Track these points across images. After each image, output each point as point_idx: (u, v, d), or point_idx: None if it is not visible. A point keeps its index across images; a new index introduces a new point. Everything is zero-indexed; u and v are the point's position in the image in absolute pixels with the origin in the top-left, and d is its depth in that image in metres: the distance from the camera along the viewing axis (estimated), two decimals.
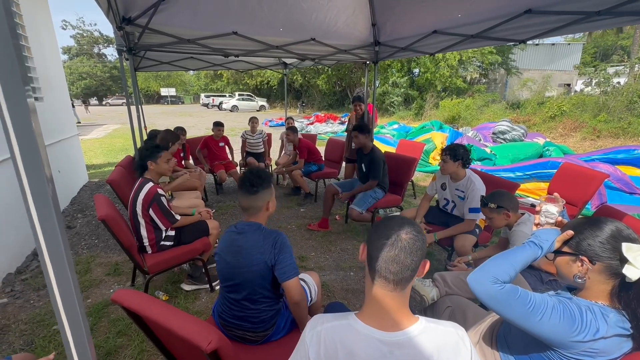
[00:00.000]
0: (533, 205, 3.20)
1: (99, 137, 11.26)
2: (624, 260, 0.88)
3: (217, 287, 2.54)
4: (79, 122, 13.77)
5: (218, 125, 4.72)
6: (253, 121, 5.22)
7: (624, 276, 0.89)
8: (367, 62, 3.90)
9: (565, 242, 1.02)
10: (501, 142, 7.53)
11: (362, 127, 3.25)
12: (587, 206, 3.97)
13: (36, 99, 3.84)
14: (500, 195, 1.87)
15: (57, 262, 0.54)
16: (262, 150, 5.29)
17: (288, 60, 5.07)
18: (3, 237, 2.73)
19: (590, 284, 0.97)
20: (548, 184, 3.58)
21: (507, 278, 0.99)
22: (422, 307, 1.69)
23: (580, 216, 1.06)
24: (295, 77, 24.13)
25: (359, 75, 20.67)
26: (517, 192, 4.74)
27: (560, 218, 1.18)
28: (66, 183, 4.52)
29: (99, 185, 5.36)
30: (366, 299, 0.85)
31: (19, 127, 0.45)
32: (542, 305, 0.92)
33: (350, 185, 3.62)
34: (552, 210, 1.19)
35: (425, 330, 0.80)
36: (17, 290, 2.52)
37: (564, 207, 1.24)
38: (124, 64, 2.69)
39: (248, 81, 28.67)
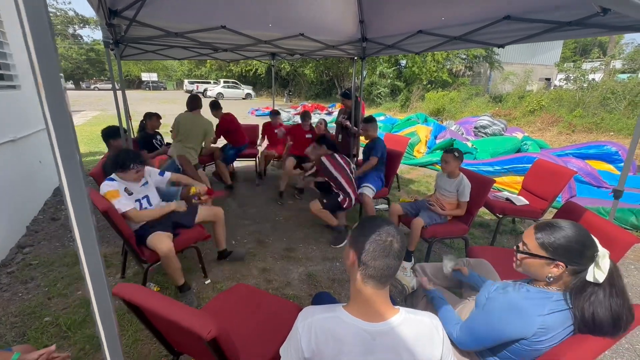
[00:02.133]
0: (508, 199, 3.40)
1: (78, 125, 10.85)
2: (590, 264, 1.01)
3: (208, 281, 2.62)
4: None
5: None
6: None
7: (582, 276, 1.03)
8: (355, 58, 3.96)
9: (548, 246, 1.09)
10: (482, 136, 7.80)
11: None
12: (558, 199, 4.25)
13: (13, 87, 3.71)
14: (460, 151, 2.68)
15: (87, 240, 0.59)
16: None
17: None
18: None
19: (557, 279, 1.10)
20: (523, 177, 3.80)
21: (454, 334, 1.26)
22: (403, 295, 1.83)
23: (550, 218, 1.18)
24: (282, 66, 23.76)
25: (347, 66, 20.61)
26: (494, 185, 5.03)
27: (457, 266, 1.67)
28: (48, 174, 4.41)
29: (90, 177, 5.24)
30: (354, 294, 0.95)
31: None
32: (485, 311, 1.12)
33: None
34: (448, 264, 1.71)
35: (405, 321, 0.91)
36: (4, 283, 2.52)
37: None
38: (113, 55, 2.65)
39: (233, 68, 27.94)
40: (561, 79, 15.32)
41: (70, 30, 37.34)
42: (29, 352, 1.33)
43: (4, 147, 3.19)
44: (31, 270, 2.71)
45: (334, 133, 4.94)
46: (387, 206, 4.02)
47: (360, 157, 4.47)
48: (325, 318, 0.93)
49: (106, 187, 2.25)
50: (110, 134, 2.85)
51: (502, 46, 2.54)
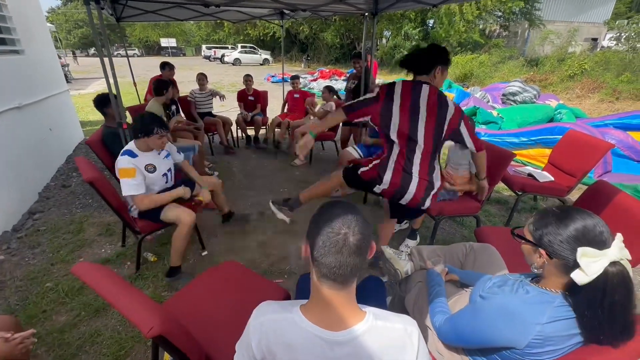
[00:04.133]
0: (530, 175, 3.08)
1: (96, 92, 10.97)
2: (577, 265, 0.83)
3: (205, 253, 2.60)
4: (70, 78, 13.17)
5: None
6: (201, 78, 4.73)
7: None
8: (366, 14, 3.55)
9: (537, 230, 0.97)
10: (511, 104, 7.16)
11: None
12: (590, 175, 3.85)
13: (16, 52, 3.65)
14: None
15: None
16: (211, 109, 4.92)
17: (285, 10, 4.66)
18: None
19: (548, 274, 0.95)
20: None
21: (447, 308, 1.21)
22: (395, 280, 1.70)
23: (554, 206, 0.98)
24: (301, 28, 22.60)
25: (370, 26, 19.31)
26: (517, 158, 4.64)
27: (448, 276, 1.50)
28: (60, 141, 4.49)
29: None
30: (312, 293, 0.82)
31: None
32: (478, 310, 0.99)
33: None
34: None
35: (370, 329, 0.77)
36: (13, 248, 2.61)
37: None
38: (95, 14, 2.47)
39: (250, 32, 26.91)
40: (611, 38, 13.60)
41: None
42: (8, 324, 1.32)
43: (9, 114, 3.20)
44: (39, 236, 2.79)
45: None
46: None
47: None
48: (277, 319, 0.81)
49: (123, 162, 2.03)
50: (102, 102, 2.74)
51: None
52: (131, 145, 2.15)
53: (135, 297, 0.98)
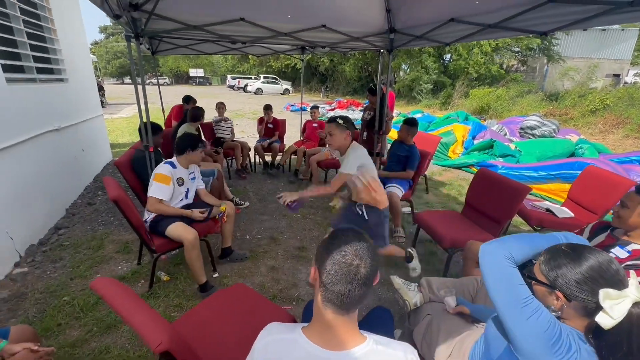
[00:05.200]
0: (549, 210, 3.00)
1: (127, 116, 11.73)
2: (599, 307, 0.81)
3: (216, 275, 2.63)
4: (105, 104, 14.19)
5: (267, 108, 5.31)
6: (220, 106, 5.13)
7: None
8: (382, 51, 3.74)
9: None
10: (529, 138, 7.08)
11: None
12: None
13: (62, 80, 4.03)
14: (346, 118, 2.13)
15: None
16: (229, 136, 5.17)
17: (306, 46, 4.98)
18: (28, 210, 2.95)
19: (567, 316, 0.91)
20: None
21: (521, 259, 0.97)
22: (404, 312, 1.66)
23: (564, 244, 0.97)
24: (321, 60, 23.68)
25: (387, 61, 20.01)
26: (535, 192, 4.52)
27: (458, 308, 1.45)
28: (90, 161, 4.78)
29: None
30: (315, 315, 0.84)
31: None
32: (537, 307, 0.87)
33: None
34: (452, 303, 1.48)
35: (370, 353, 0.78)
36: (37, 261, 2.74)
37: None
38: (135, 49, 2.73)
39: (273, 63, 28.48)
40: (636, 74, 13.42)
41: None
42: (27, 334, 1.39)
43: (49, 135, 3.48)
44: (62, 250, 2.92)
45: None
46: (409, 209, 3.78)
47: (385, 156, 4.25)
48: (281, 340, 0.83)
49: (164, 169, 2.34)
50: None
51: (545, 34, 2.18)
52: (174, 159, 2.46)
53: (147, 314, 1.03)
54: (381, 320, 1.40)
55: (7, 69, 2.80)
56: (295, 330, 0.84)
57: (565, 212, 2.93)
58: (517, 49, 17.16)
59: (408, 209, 3.81)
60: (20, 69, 3.19)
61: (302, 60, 5.76)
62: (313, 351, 0.79)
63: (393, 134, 5.36)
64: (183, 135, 2.58)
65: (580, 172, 3.59)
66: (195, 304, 2.21)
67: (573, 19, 1.98)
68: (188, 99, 4.87)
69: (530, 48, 16.44)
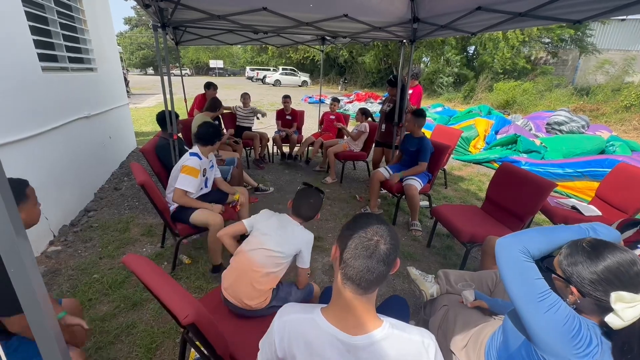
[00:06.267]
0: (574, 208, 2.89)
1: (150, 106, 12.07)
2: (611, 308, 0.80)
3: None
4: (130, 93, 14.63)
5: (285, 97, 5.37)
6: (245, 97, 5.22)
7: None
8: (404, 41, 3.66)
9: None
10: (556, 134, 6.79)
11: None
12: None
13: (91, 69, 4.20)
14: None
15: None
16: (250, 124, 5.30)
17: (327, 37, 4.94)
18: (61, 193, 3.13)
19: (582, 310, 0.90)
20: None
21: (537, 253, 0.97)
22: (420, 302, 1.67)
23: (586, 240, 0.95)
24: (340, 52, 23.39)
25: (408, 52, 19.54)
26: (559, 189, 4.36)
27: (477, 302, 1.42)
28: (116, 148, 4.98)
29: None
30: (334, 296, 0.86)
31: None
32: (555, 301, 0.87)
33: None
34: (470, 297, 1.44)
35: (387, 337, 0.80)
36: (70, 240, 2.91)
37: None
38: (161, 38, 2.81)
39: (292, 55, 28.39)
40: None
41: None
42: (74, 307, 1.50)
43: (79, 122, 3.65)
44: (91, 231, 3.08)
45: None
46: (427, 203, 3.74)
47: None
48: (300, 319, 0.86)
49: (193, 162, 2.34)
50: (164, 119, 3.00)
51: (579, 22, 2.08)
52: (197, 150, 2.45)
53: (175, 289, 1.08)
54: (397, 307, 1.41)
55: (42, 58, 2.94)
56: (313, 311, 0.87)
57: (592, 210, 2.82)
58: (548, 40, 16.30)
59: (426, 203, 3.77)
60: (54, 59, 3.34)
61: (322, 51, 5.72)
62: (331, 332, 0.81)
63: None
64: (206, 124, 2.49)
65: (610, 170, 3.44)
66: (214, 286, 2.29)
67: (610, 6, 1.87)
68: (209, 85, 4.96)
69: (562, 39, 15.60)
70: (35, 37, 2.80)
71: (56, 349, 0.61)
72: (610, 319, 0.79)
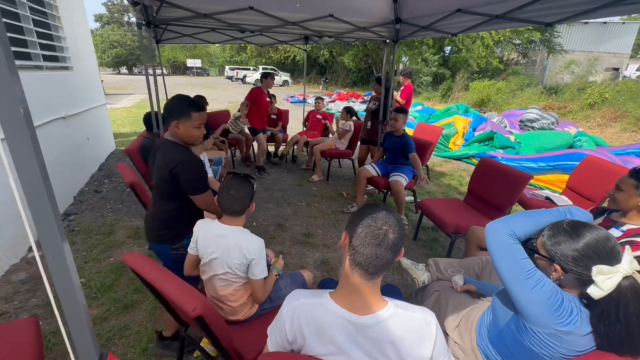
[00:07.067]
0: (548, 199, 3.10)
1: (127, 107, 11.69)
2: (592, 280, 0.89)
3: None
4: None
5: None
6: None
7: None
8: (387, 41, 3.77)
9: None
10: (529, 130, 7.16)
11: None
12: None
13: (66, 68, 4.04)
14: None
15: None
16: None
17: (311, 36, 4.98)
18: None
19: (564, 285, 1.00)
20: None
21: (523, 235, 1.05)
22: (412, 290, 1.75)
23: (565, 222, 1.05)
24: (321, 52, 23.47)
25: (389, 52, 19.88)
26: (533, 182, 4.62)
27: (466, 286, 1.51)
28: (94, 150, 4.81)
29: (125, 153, 5.67)
30: (342, 281, 0.90)
31: None
32: (540, 277, 0.96)
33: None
34: (459, 282, 1.52)
35: (392, 316, 0.85)
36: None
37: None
38: (145, 36, 2.76)
39: (272, 55, 28.24)
40: (638, 67, 13.46)
41: (125, 18, 39.88)
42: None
43: (56, 123, 3.50)
44: (73, 236, 2.98)
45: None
46: (412, 198, 3.86)
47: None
48: (309, 303, 0.90)
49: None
50: (150, 120, 2.96)
51: (550, 24, 2.24)
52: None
53: (179, 283, 1.10)
54: (391, 295, 1.48)
55: (15, 56, 2.81)
56: (322, 295, 0.91)
57: (564, 200, 3.02)
58: (519, 42, 17.11)
59: (411, 198, 3.90)
60: (27, 57, 3.20)
61: (305, 50, 5.76)
62: (340, 314, 0.85)
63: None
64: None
65: (578, 163, 3.69)
66: None
67: (578, 10, 2.03)
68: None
69: (531, 41, 16.41)
70: (8, 34, 2.68)
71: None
72: (592, 291, 0.89)
